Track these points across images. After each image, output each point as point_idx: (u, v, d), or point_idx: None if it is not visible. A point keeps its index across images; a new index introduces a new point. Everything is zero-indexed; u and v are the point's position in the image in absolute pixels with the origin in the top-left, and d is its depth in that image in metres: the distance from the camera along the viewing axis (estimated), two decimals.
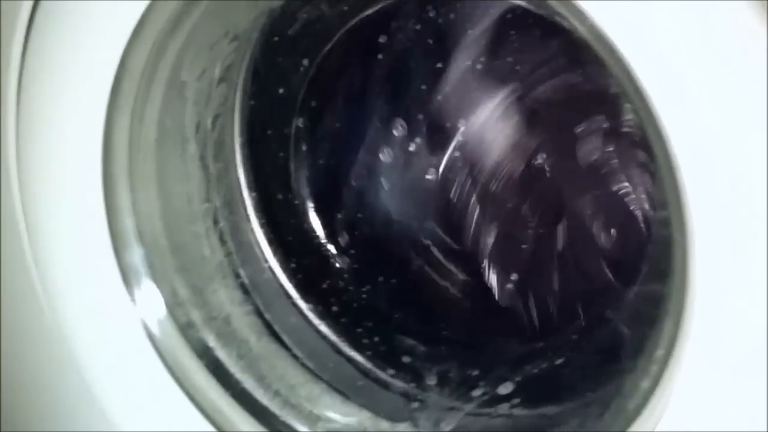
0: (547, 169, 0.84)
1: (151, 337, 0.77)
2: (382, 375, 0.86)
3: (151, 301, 0.78)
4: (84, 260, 0.76)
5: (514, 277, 0.84)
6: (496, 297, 0.85)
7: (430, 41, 0.84)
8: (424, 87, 0.85)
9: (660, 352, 0.58)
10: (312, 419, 0.83)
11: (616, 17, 0.49)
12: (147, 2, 0.65)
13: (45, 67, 0.69)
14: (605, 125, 0.77)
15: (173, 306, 0.79)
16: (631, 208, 0.78)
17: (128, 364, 0.77)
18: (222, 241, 0.86)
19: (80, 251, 0.75)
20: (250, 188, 0.87)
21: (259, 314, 0.87)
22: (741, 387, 0.51)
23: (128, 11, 0.66)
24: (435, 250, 0.88)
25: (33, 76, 0.70)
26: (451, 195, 0.89)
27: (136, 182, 0.76)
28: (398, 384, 0.84)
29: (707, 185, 0.49)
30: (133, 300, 0.77)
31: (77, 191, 0.73)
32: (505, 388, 0.78)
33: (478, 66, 0.84)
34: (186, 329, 0.80)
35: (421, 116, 0.88)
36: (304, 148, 0.87)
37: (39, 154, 0.72)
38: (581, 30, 0.52)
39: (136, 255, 0.77)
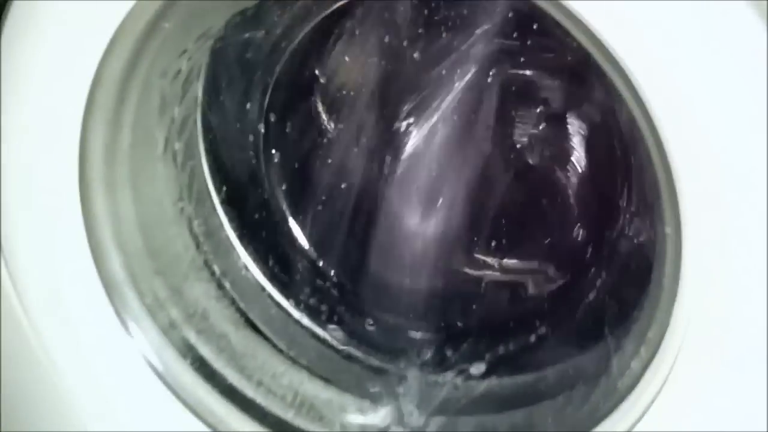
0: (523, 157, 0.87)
1: (137, 344, 0.76)
2: (360, 356, 0.88)
3: (133, 309, 0.77)
4: (63, 271, 0.74)
5: (494, 255, 0.88)
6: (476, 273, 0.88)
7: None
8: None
9: (651, 334, 0.63)
10: (296, 406, 0.84)
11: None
12: (128, 5, 0.63)
13: (20, 76, 0.66)
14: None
15: (155, 308, 0.78)
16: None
17: (114, 374, 0.77)
18: (194, 236, 0.85)
19: (58, 262, 0.73)
20: (218, 185, 0.87)
21: (236, 306, 0.87)
22: (732, 370, 0.56)
23: (106, 17, 0.64)
24: (406, 234, 0.90)
25: (7, 85, 0.66)
26: (414, 178, 0.90)
27: (112, 188, 0.74)
28: (377, 365, 0.87)
29: (700, 181, 0.52)
30: (115, 309, 0.75)
31: (54, 200, 0.71)
32: (483, 365, 0.82)
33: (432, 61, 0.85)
34: (169, 331, 0.79)
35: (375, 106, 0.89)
36: (269, 144, 0.87)
37: (16, 162, 0.69)
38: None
39: (115, 262, 0.76)
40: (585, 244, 0.84)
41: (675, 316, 0.59)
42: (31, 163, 0.69)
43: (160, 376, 0.77)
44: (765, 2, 0.48)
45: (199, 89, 0.79)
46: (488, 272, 0.91)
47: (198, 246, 0.85)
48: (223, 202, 0.87)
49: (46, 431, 0.79)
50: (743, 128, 0.50)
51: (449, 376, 0.85)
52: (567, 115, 0.84)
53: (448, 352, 0.87)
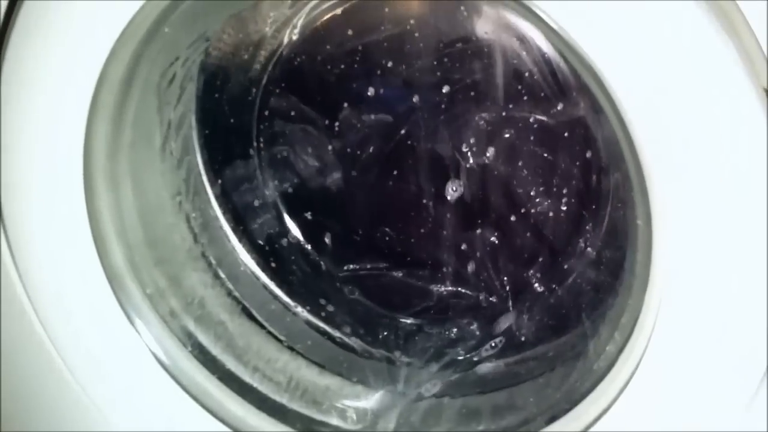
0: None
1: (140, 333, 0.79)
2: (352, 343, 0.92)
3: (136, 299, 0.80)
4: (68, 264, 0.76)
5: (475, 251, 0.91)
6: (459, 269, 0.92)
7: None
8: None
9: (625, 320, 0.67)
10: (291, 390, 0.88)
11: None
12: (131, 10, 0.66)
13: (25, 75, 0.69)
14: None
15: (156, 298, 0.81)
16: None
17: (117, 362, 0.80)
18: (191, 228, 0.88)
19: (63, 255, 0.76)
20: (213, 179, 0.90)
21: (231, 295, 0.91)
22: (701, 353, 0.60)
23: (110, 22, 0.67)
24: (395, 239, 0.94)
25: (12, 84, 0.69)
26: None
27: (114, 182, 0.77)
28: (369, 351, 0.91)
29: (669, 174, 0.56)
30: (118, 299, 0.78)
31: (58, 196, 0.74)
32: (469, 352, 0.86)
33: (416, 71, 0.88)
34: (169, 319, 0.82)
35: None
36: (261, 140, 0.90)
37: (23, 157, 0.72)
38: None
39: (117, 254, 0.79)
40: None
41: (647, 303, 0.63)
42: (38, 158, 0.72)
43: (162, 364, 0.80)
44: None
45: (194, 89, 0.82)
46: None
47: (195, 237, 0.88)
48: (217, 196, 0.90)
49: (49, 416, 0.82)
50: (708, 126, 0.54)
51: (436, 361, 0.88)
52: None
53: (438, 340, 0.90)
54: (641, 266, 0.64)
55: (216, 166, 0.89)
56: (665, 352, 0.61)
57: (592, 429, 0.67)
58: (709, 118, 0.54)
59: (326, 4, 0.83)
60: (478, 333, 0.87)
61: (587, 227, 0.86)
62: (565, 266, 0.88)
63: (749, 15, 0.54)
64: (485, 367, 0.85)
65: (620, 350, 0.67)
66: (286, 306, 0.95)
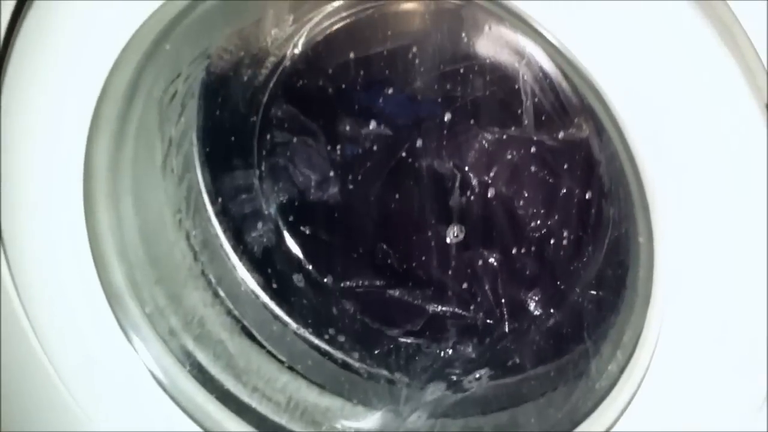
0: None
1: (138, 353, 0.79)
2: (353, 364, 0.91)
3: (135, 318, 0.79)
4: (67, 282, 0.76)
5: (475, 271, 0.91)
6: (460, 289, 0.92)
7: None
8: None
9: (627, 338, 0.67)
10: (290, 410, 0.87)
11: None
12: (129, 33, 0.66)
13: (27, 86, 0.69)
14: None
15: (155, 317, 0.81)
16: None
17: (115, 380, 0.79)
18: (191, 246, 0.88)
19: (62, 273, 0.76)
20: (213, 197, 0.90)
21: (231, 314, 0.90)
22: (703, 371, 0.59)
23: (114, 35, 0.67)
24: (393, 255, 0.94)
25: (14, 95, 0.69)
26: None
27: (115, 198, 0.77)
28: (370, 372, 0.90)
29: (671, 192, 0.56)
30: (117, 318, 0.78)
31: (59, 210, 0.74)
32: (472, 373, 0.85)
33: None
34: (168, 338, 0.82)
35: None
36: (262, 158, 0.90)
37: (23, 172, 0.72)
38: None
39: (117, 272, 0.78)
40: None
41: (649, 319, 0.63)
42: (38, 172, 0.72)
43: (160, 383, 0.80)
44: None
45: (195, 106, 0.82)
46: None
47: (195, 255, 0.88)
48: (218, 213, 0.90)
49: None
50: (710, 143, 0.54)
51: (438, 382, 0.88)
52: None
53: (438, 361, 0.90)
54: (643, 283, 0.63)
55: (217, 183, 0.89)
56: (667, 369, 0.61)
57: None
58: (711, 135, 0.54)
59: (328, 22, 0.84)
60: (476, 354, 0.86)
61: (588, 249, 0.86)
62: (566, 287, 0.87)
63: (751, 33, 0.54)
64: (486, 388, 0.84)
65: (622, 369, 0.66)
66: (286, 326, 0.94)
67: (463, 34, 0.81)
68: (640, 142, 0.56)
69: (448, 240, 0.92)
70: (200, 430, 0.80)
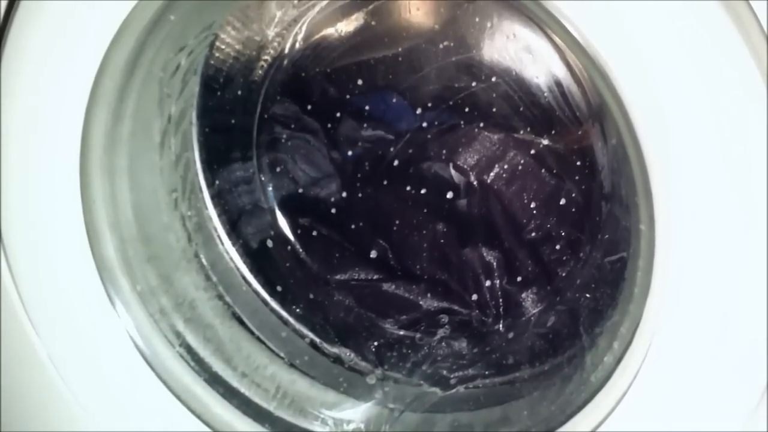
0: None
1: (127, 330, 0.77)
2: (341, 355, 0.90)
3: (125, 294, 0.78)
4: (60, 253, 0.75)
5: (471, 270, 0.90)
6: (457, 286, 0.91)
7: None
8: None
9: (624, 329, 0.66)
10: (278, 398, 0.86)
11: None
12: (132, 3, 0.65)
13: (29, 64, 0.68)
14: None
15: (146, 295, 0.80)
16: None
17: (104, 357, 0.78)
18: (185, 228, 0.87)
19: (56, 245, 0.75)
20: (210, 179, 0.89)
21: (222, 299, 0.89)
22: (701, 363, 0.58)
23: (114, 8, 0.66)
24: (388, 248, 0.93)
25: (13, 67, 0.68)
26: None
27: (111, 174, 0.76)
28: (358, 364, 0.89)
29: (673, 179, 0.55)
30: (107, 293, 0.77)
31: (54, 184, 0.73)
32: (461, 366, 0.84)
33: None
34: (158, 318, 0.81)
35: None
36: (261, 144, 0.90)
37: (19, 144, 0.71)
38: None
39: (110, 247, 0.77)
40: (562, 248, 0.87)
41: (647, 310, 0.62)
42: (35, 143, 0.71)
43: (149, 362, 0.78)
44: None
45: (196, 84, 0.81)
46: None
47: (189, 237, 0.87)
48: (214, 197, 0.89)
49: (31, 412, 0.79)
50: (713, 132, 0.54)
51: (429, 378, 0.87)
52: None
53: (426, 354, 0.89)
54: (642, 273, 0.63)
55: (214, 165, 0.88)
56: (664, 361, 0.60)
57: None
58: (716, 123, 0.54)
59: (333, 7, 0.83)
60: (468, 351, 0.86)
61: (587, 248, 0.86)
62: (563, 285, 0.87)
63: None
64: (477, 385, 0.83)
65: (618, 360, 0.66)
66: (277, 315, 0.93)
67: (468, 33, 0.81)
68: (644, 127, 0.55)
69: (445, 237, 0.91)
70: (187, 411, 0.79)
